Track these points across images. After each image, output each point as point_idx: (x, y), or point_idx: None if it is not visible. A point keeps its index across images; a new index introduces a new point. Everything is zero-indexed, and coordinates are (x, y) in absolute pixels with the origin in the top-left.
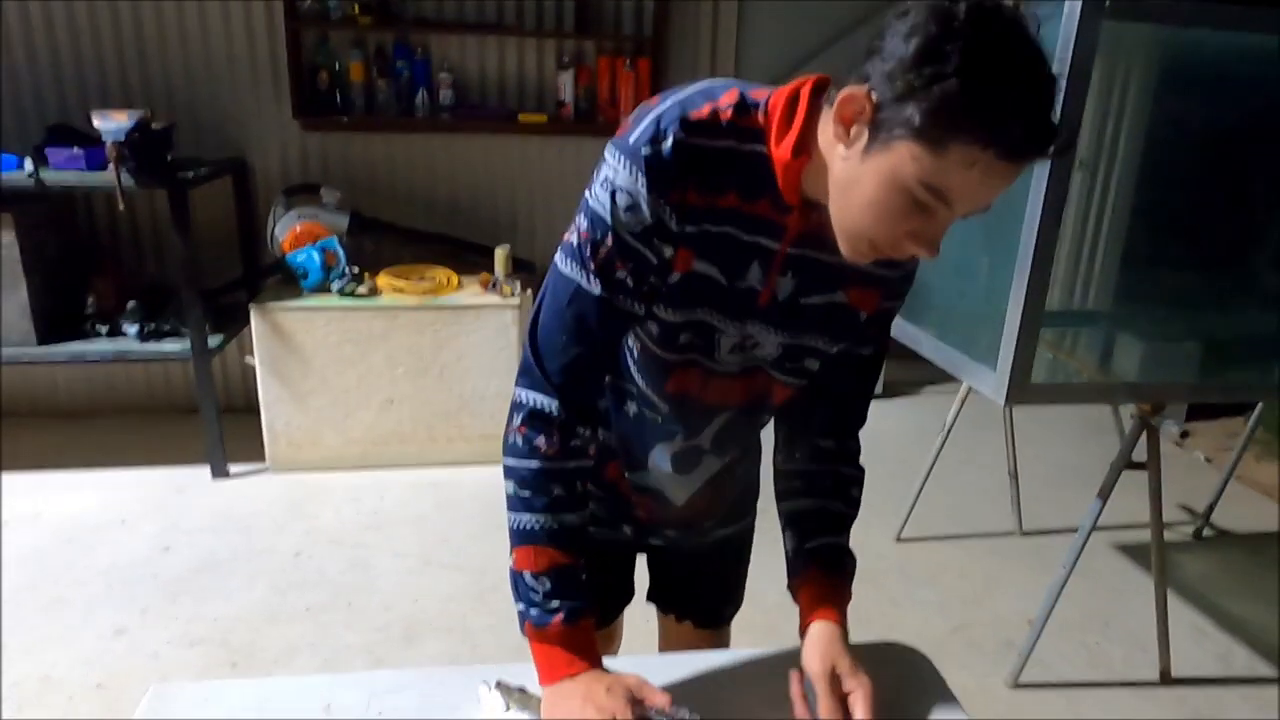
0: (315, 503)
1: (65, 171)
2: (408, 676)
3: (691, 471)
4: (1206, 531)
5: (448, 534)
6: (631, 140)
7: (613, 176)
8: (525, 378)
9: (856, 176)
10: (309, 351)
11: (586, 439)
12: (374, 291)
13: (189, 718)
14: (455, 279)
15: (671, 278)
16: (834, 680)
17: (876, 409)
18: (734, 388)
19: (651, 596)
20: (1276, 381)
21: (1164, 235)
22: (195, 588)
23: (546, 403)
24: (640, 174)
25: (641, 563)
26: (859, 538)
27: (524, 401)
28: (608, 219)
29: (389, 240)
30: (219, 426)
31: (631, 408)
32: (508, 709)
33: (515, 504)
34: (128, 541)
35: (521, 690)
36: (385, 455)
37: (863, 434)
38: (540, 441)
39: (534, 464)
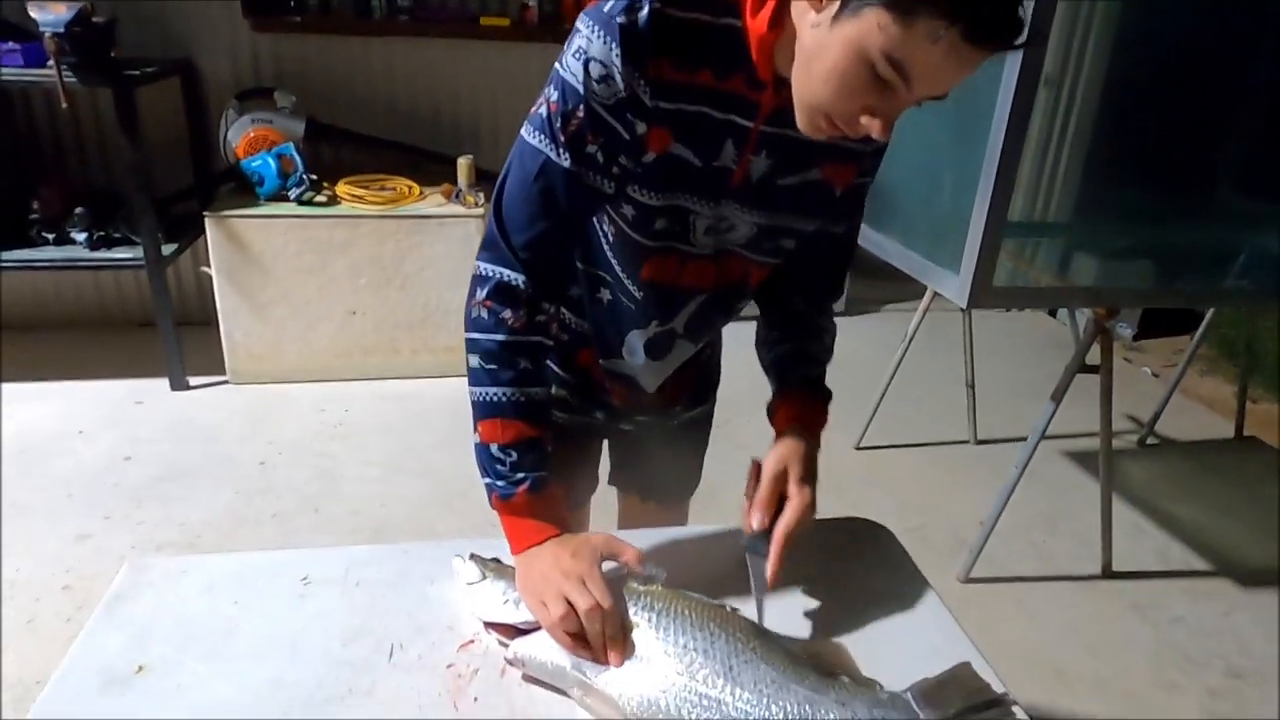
0: (278, 414)
1: (3, 68)
2: (384, 551)
3: (665, 357)
4: (1150, 440)
5: (414, 444)
6: (606, 9)
7: (586, 46)
8: (489, 251)
9: (823, 45)
10: (267, 261)
11: (551, 314)
12: (333, 200)
13: (166, 590)
14: (417, 189)
15: (646, 158)
16: (780, 479)
17: (839, 326)
18: (708, 271)
19: (613, 479)
20: (1226, 289)
21: (1125, 151)
22: (159, 495)
23: (513, 276)
24: (615, 44)
25: (603, 447)
26: (821, 445)
27: (489, 275)
28: (580, 89)
29: (347, 148)
30: (176, 338)
31: (606, 295)
32: (482, 578)
33: (480, 377)
34: (86, 451)
35: (496, 561)
36: (349, 367)
37: None
38: (507, 315)
39: (500, 337)
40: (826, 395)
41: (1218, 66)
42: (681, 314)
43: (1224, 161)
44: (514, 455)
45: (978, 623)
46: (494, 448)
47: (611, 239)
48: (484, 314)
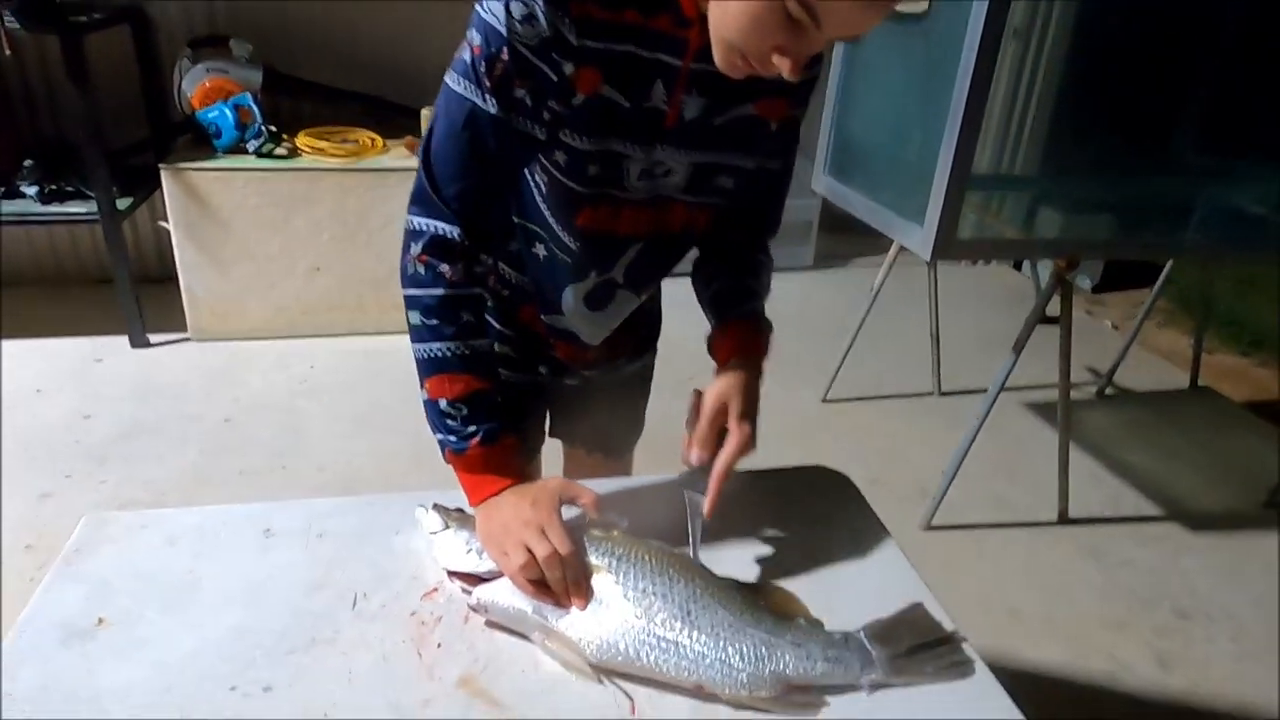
0: (243, 371)
1: None
2: (347, 503)
3: (606, 308)
4: (1109, 390)
5: (381, 399)
6: None
7: None
8: (421, 205)
9: None
10: (226, 215)
11: (488, 266)
12: (293, 153)
13: (126, 544)
14: (380, 141)
15: (575, 100)
16: (720, 413)
17: (806, 281)
18: (644, 217)
19: (557, 433)
20: (1184, 241)
21: (1093, 105)
22: (122, 453)
23: (447, 230)
24: None
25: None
26: (786, 399)
27: (423, 229)
28: (503, 31)
29: (307, 99)
30: (135, 294)
31: (541, 250)
32: (445, 527)
33: (423, 334)
34: (45, 410)
35: (459, 511)
36: (314, 324)
37: (792, 303)
38: (445, 269)
39: (440, 291)
40: (768, 326)
41: (1184, 22)
42: (620, 263)
43: (1187, 116)
44: (464, 409)
45: (937, 568)
46: (443, 403)
47: (544, 189)
48: (420, 269)
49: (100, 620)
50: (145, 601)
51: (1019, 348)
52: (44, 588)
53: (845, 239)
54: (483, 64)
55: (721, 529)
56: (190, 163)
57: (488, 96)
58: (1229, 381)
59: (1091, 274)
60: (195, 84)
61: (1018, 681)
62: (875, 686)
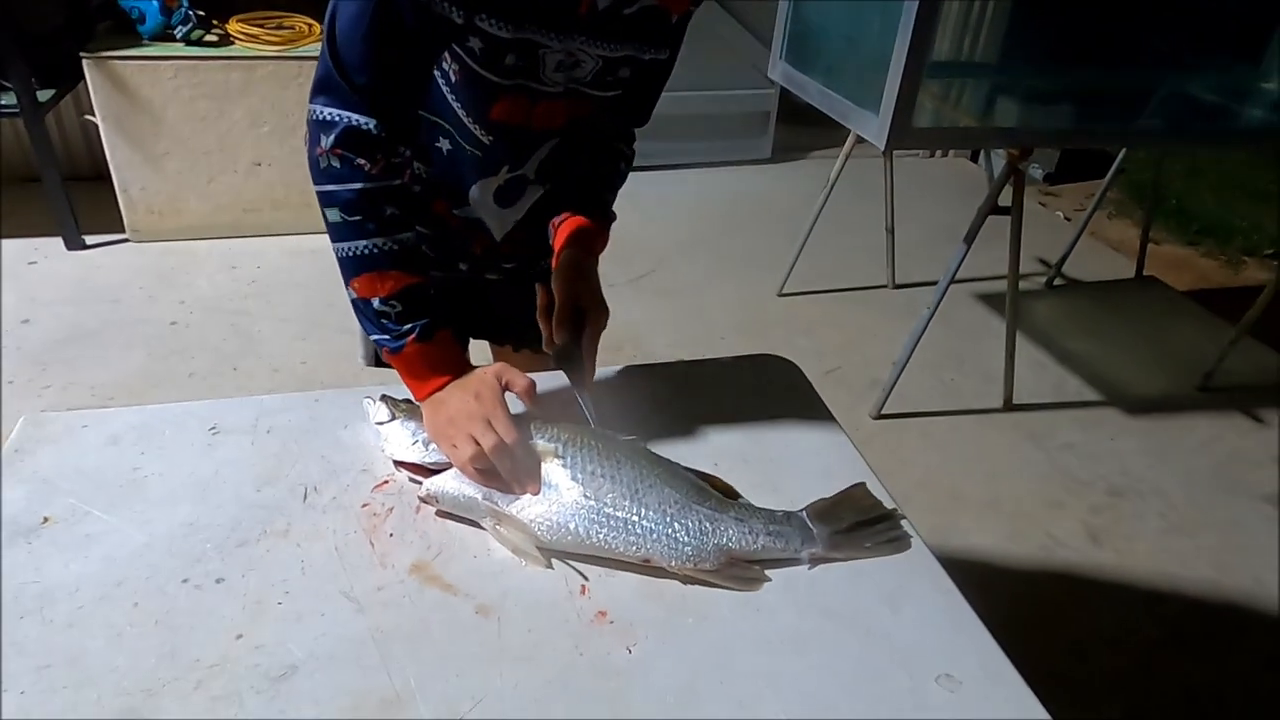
0: (187, 272)
1: None
2: (295, 399)
3: (515, 203)
4: (1057, 281)
5: (333, 299)
6: None
7: None
8: (328, 94)
9: None
10: (157, 108)
11: (406, 157)
12: (225, 40)
13: (67, 443)
14: (316, 27)
15: None
16: (576, 301)
17: (763, 174)
18: (558, 110)
19: (483, 334)
20: (1139, 129)
21: None
22: (65, 358)
23: (361, 120)
24: None
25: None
26: (742, 293)
27: (333, 120)
28: None
29: None
30: (66, 194)
31: (445, 144)
32: (392, 419)
33: (344, 231)
34: None
35: (407, 402)
36: (259, 223)
37: (749, 196)
38: (362, 162)
39: (359, 185)
40: (611, 218)
41: None
42: (533, 159)
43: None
44: (398, 306)
45: (884, 454)
46: (376, 302)
47: (455, 79)
48: (335, 163)
49: (45, 519)
50: (90, 500)
51: (970, 238)
52: None
53: (803, 131)
54: None
55: (671, 415)
56: (114, 51)
57: None
58: (1175, 271)
59: (1045, 164)
60: None
61: (955, 558)
62: (816, 561)
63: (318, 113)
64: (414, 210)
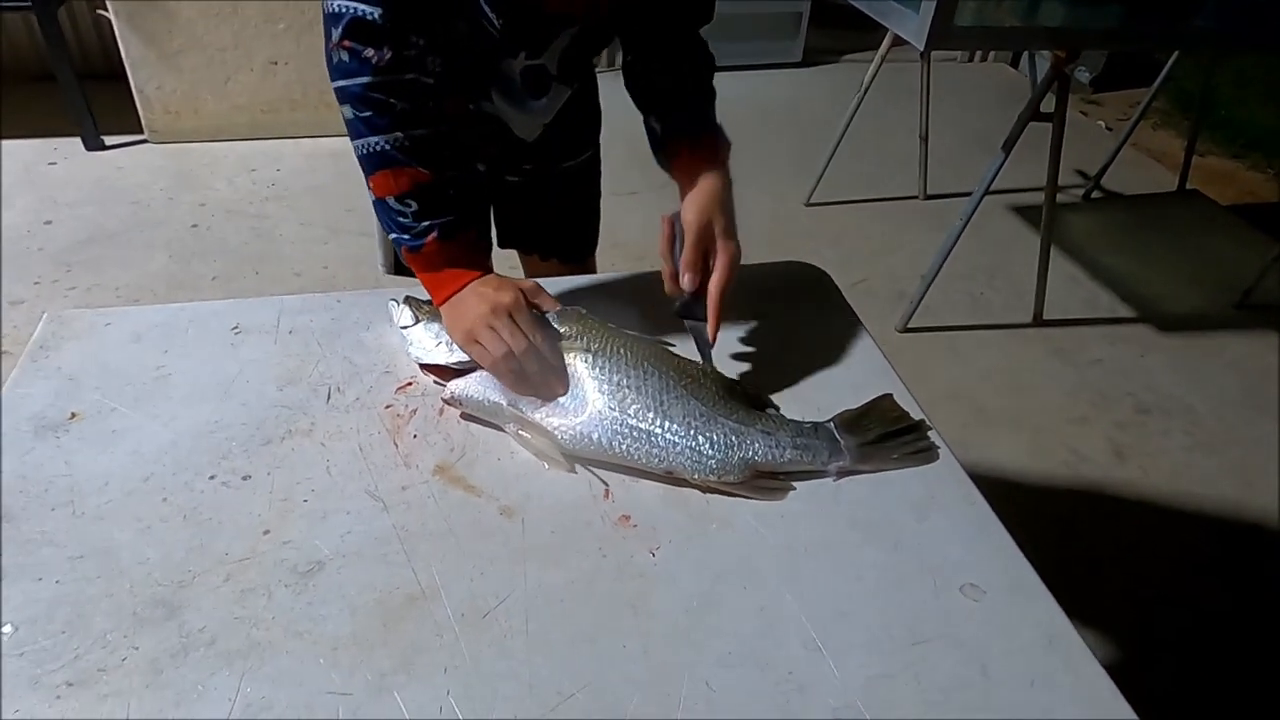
0: (206, 174)
1: None
2: (317, 299)
3: (542, 99)
4: (1095, 194)
5: (353, 202)
6: None
7: None
8: None
9: None
10: (171, 2)
11: (421, 47)
12: None
13: (91, 341)
14: None
15: None
16: (705, 235)
17: (794, 78)
18: None
19: (510, 242)
20: (1191, 31)
21: None
22: (88, 258)
23: (366, 10)
24: None
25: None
26: (769, 202)
27: (340, 11)
28: None
29: None
30: (82, 92)
31: (462, 25)
32: (416, 321)
33: (358, 128)
34: (3, 216)
35: (430, 303)
36: (277, 124)
37: (778, 101)
38: (370, 53)
39: (366, 79)
40: (722, 130)
41: None
42: (551, 48)
43: None
44: (414, 205)
45: (909, 367)
46: (391, 200)
47: None
48: (344, 56)
49: (73, 414)
50: (116, 396)
51: (1009, 146)
52: (11, 383)
53: (836, 34)
54: None
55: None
56: None
57: None
58: (1218, 184)
59: (1091, 68)
60: None
61: (980, 472)
62: (842, 473)
63: (328, 5)
64: (429, 105)
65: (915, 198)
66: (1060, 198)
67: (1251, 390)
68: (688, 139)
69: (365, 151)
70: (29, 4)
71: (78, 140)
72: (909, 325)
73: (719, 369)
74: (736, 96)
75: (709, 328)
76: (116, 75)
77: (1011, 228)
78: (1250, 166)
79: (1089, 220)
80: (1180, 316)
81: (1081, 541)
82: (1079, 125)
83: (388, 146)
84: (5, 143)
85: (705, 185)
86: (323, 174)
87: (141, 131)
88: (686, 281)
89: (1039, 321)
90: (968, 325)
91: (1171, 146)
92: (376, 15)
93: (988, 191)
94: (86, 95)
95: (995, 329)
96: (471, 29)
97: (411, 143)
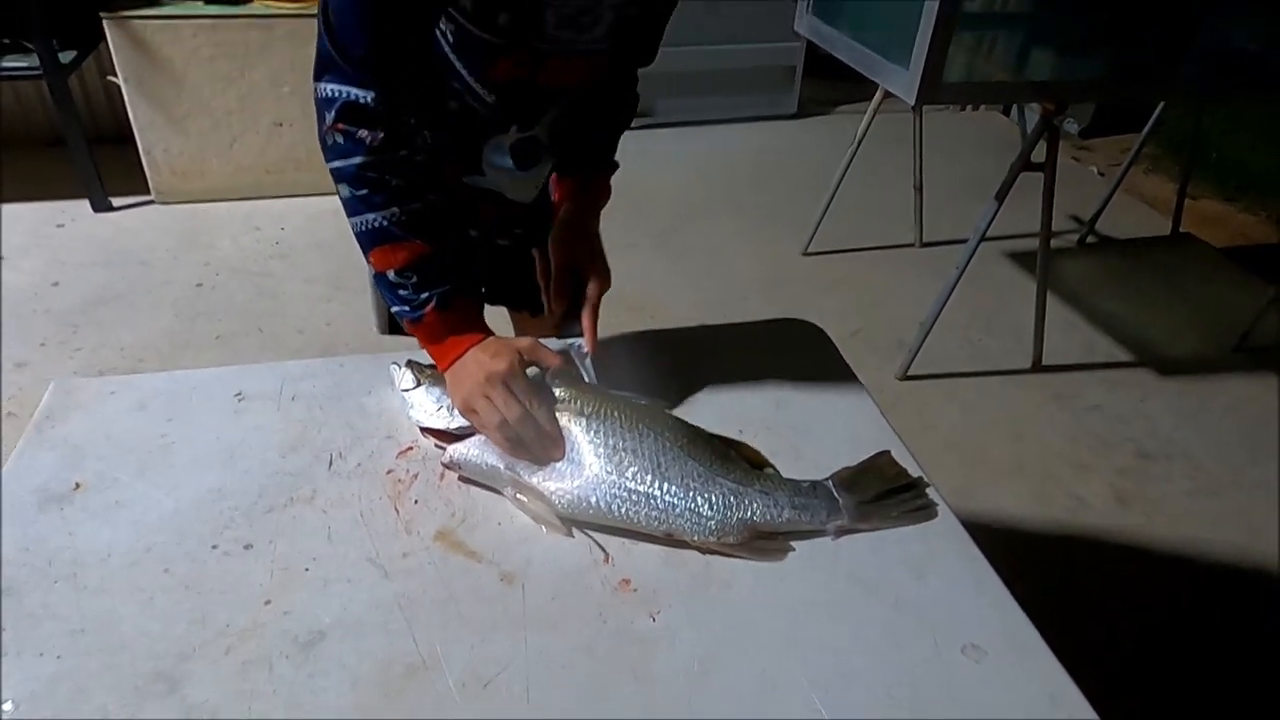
0: (211, 234)
1: None
2: (319, 364)
3: (532, 169)
4: (1090, 238)
5: (357, 260)
6: None
7: None
8: (328, 72)
9: None
10: (179, 68)
11: (412, 126)
12: None
13: (96, 410)
14: None
15: None
16: (570, 263)
17: (789, 129)
18: (568, 69)
19: (501, 300)
20: (1177, 80)
21: None
22: (95, 320)
23: (359, 94)
24: None
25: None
26: (766, 252)
27: (334, 96)
28: None
29: None
30: (91, 156)
31: (454, 104)
32: (417, 384)
33: (354, 207)
34: (10, 278)
35: (432, 368)
36: (281, 184)
37: (774, 152)
38: (363, 134)
39: (360, 158)
40: (614, 167)
41: None
42: (544, 120)
43: None
44: (413, 277)
45: (911, 416)
46: (391, 274)
47: (452, 39)
48: (339, 139)
49: (77, 485)
50: (119, 465)
51: (1001, 196)
52: (17, 454)
53: (830, 85)
54: None
55: (694, 380)
56: (134, 10)
57: None
58: (1212, 227)
59: (1080, 118)
60: None
61: (981, 522)
62: (841, 532)
63: (320, 90)
64: (423, 179)
65: (911, 245)
66: (1055, 243)
67: (1252, 433)
68: (579, 176)
69: (363, 228)
70: (40, 72)
71: (85, 202)
72: (909, 373)
73: (716, 428)
74: (733, 148)
75: (587, 337)
76: (124, 138)
77: (1008, 274)
78: (1243, 209)
79: (1084, 266)
80: (1178, 360)
81: (1086, 591)
82: (1071, 171)
83: (385, 222)
84: (15, 206)
85: (576, 212)
86: (325, 232)
87: (148, 193)
88: (558, 305)
89: (1038, 367)
90: (967, 372)
91: (1164, 190)
92: (370, 99)
93: (982, 239)
94: (95, 159)
95: (994, 375)
96: (462, 106)
97: (408, 217)
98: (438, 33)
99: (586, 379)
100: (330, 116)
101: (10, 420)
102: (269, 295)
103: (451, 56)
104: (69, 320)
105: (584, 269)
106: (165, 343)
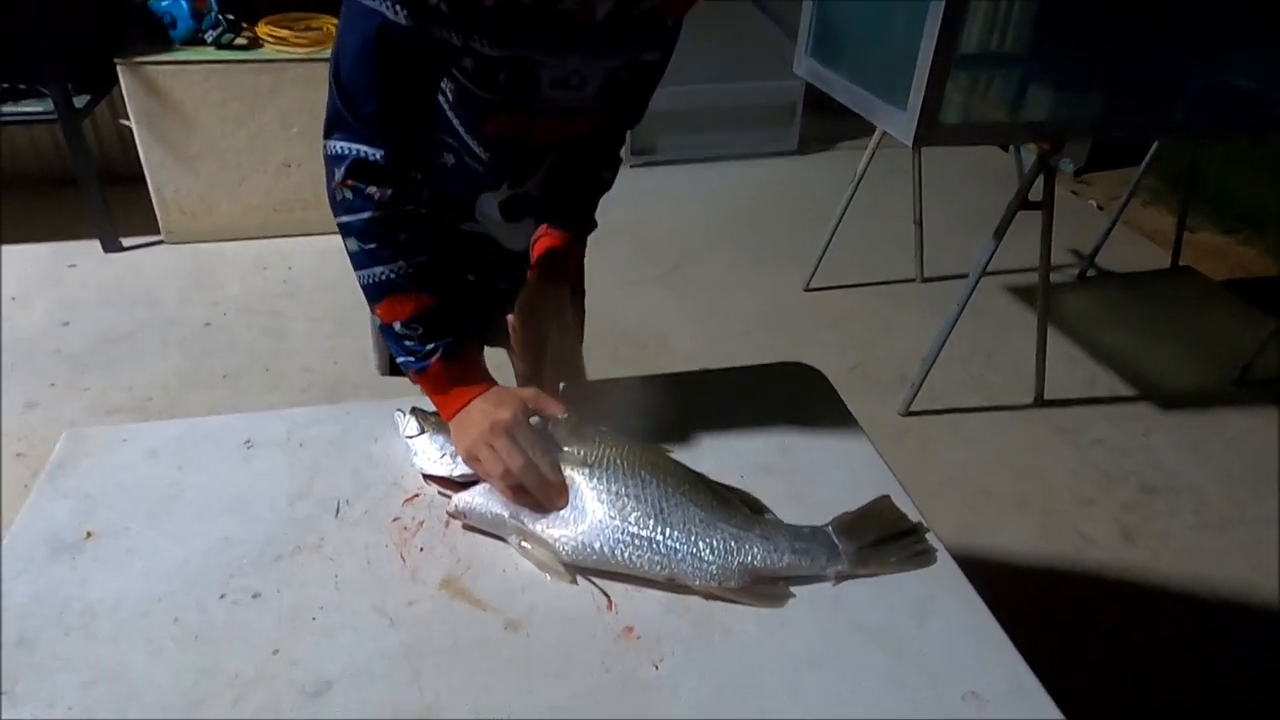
0: (219, 273)
1: None
2: (326, 411)
3: (521, 221)
4: (1090, 272)
5: (362, 298)
6: None
7: None
8: (338, 130)
9: None
10: (190, 111)
11: (419, 182)
12: (254, 43)
13: (107, 458)
14: None
15: (485, 2)
16: (538, 321)
17: (790, 165)
18: (560, 126)
19: (498, 341)
20: (1172, 121)
21: None
22: (103, 359)
23: (369, 151)
24: None
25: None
26: (768, 287)
27: (344, 153)
28: None
29: None
30: (102, 196)
31: (450, 158)
32: (421, 432)
33: (362, 260)
34: (22, 318)
35: (436, 415)
36: (289, 223)
37: (776, 188)
38: (372, 190)
39: (369, 214)
40: (591, 228)
41: None
42: (534, 177)
43: None
44: (419, 329)
45: (914, 452)
46: (397, 325)
47: (451, 96)
48: (348, 195)
49: (89, 534)
50: (130, 514)
51: (1000, 234)
52: (30, 503)
53: (830, 122)
54: None
55: (695, 425)
56: (147, 57)
57: (398, 7)
58: (1211, 260)
59: (1076, 158)
60: None
61: (985, 559)
62: (841, 577)
63: (330, 148)
64: (427, 232)
65: (913, 280)
66: (1056, 277)
67: (1255, 467)
68: (554, 239)
69: (370, 281)
70: (55, 117)
71: (96, 243)
72: (911, 409)
73: (717, 473)
74: (735, 185)
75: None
76: (135, 177)
77: (1009, 308)
78: (1242, 241)
79: (1085, 300)
80: (1180, 394)
81: (1090, 630)
82: (1071, 205)
83: (392, 275)
84: (26, 247)
85: (541, 277)
86: (333, 270)
87: (158, 233)
88: (522, 370)
89: (1040, 402)
90: (970, 408)
91: (1163, 223)
92: (379, 156)
93: (982, 275)
94: (106, 199)
95: (997, 411)
96: (457, 161)
97: (414, 270)
98: (437, 89)
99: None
100: (340, 173)
101: (21, 461)
102: (276, 334)
103: (449, 113)
104: (79, 360)
105: (551, 333)
106: (174, 382)
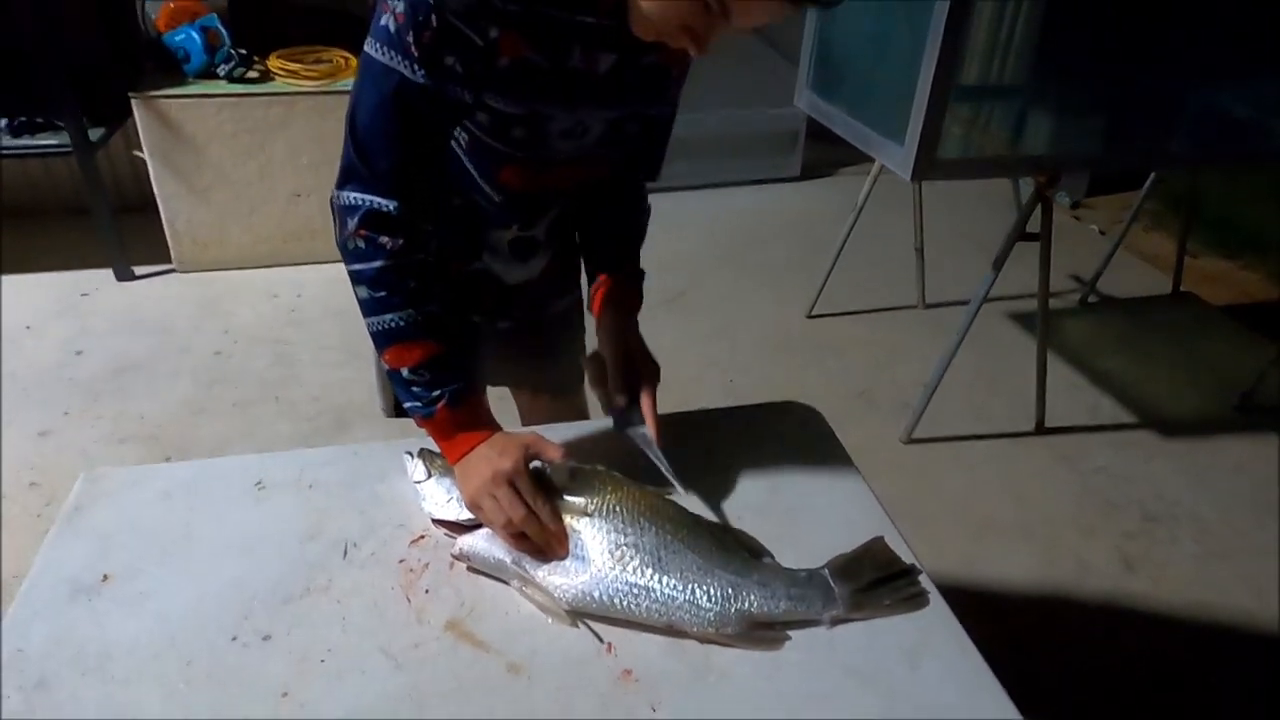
0: (230, 302)
1: None
2: (336, 452)
3: (528, 262)
4: (1091, 298)
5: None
6: None
7: None
8: (352, 181)
9: None
10: (202, 143)
11: (428, 232)
12: (265, 76)
13: (123, 499)
14: (353, 60)
15: (500, 63)
16: (627, 360)
17: (792, 192)
18: (568, 174)
19: (501, 380)
20: (1170, 151)
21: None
22: (116, 388)
23: (382, 203)
24: None
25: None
26: (771, 314)
27: (358, 204)
28: None
29: (275, 18)
30: (116, 227)
31: (458, 200)
32: (428, 476)
33: (372, 307)
34: (35, 347)
35: (443, 458)
36: (298, 252)
37: (778, 215)
38: (384, 240)
39: (381, 262)
40: (642, 275)
41: None
42: (543, 221)
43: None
44: (426, 375)
45: (916, 479)
46: (405, 371)
47: (465, 145)
48: (360, 244)
49: (105, 576)
50: (145, 556)
51: (998, 264)
52: (49, 545)
53: (832, 149)
54: (409, 32)
55: (691, 466)
56: (161, 90)
57: (416, 67)
58: (1212, 285)
59: (1074, 190)
60: (159, 5)
61: (987, 588)
62: (836, 621)
63: (343, 198)
64: (436, 280)
65: (915, 307)
66: (1057, 303)
67: (1257, 494)
68: (608, 282)
69: (380, 328)
70: (71, 150)
71: (109, 272)
72: (914, 436)
73: (713, 513)
74: (738, 211)
75: (652, 428)
76: (147, 207)
77: (1010, 335)
78: (1243, 266)
79: (1086, 326)
80: (1182, 421)
81: (1092, 656)
82: (1071, 230)
83: (401, 323)
84: (41, 276)
85: (615, 318)
86: (342, 298)
87: (170, 262)
88: (621, 399)
89: (1041, 429)
90: (971, 435)
91: (1164, 248)
92: (392, 208)
93: (983, 304)
94: (118, 228)
95: (998, 438)
96: (466, 202)
97: (423, 318)
98: (453, 138)
99: (656, 460)
100: (354, 223)
101: (34, 490)
102: (285, 362)
103: (465, 160)
104: (91, 388)
105: (634, 363)
106: (184, 410)
